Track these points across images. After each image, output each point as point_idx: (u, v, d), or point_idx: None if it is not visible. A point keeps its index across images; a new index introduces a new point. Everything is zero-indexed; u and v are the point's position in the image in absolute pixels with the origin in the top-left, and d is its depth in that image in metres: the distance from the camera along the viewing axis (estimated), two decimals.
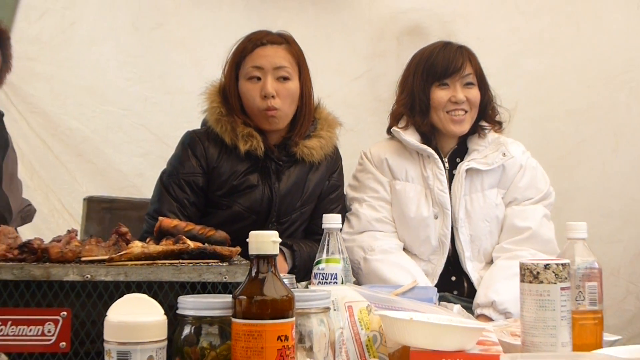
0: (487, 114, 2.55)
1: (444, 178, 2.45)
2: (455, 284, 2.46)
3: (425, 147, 2.46)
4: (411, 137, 2.47)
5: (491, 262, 2.46)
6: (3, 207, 2.20)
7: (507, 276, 2.25)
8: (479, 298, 2.31)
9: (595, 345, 1.49)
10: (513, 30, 3.57)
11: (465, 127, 2.47)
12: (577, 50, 3.56)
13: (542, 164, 2.70)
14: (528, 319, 1.40)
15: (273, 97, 2.35)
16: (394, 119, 2.59)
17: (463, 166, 2.44)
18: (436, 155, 2.46)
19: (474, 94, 2.47)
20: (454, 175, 2.46)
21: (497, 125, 2.55)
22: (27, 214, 2.44)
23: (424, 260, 2.45)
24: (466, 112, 2.45)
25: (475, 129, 2.53)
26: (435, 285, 2.18)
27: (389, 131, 2.59)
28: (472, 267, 2.43)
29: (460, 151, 2.51)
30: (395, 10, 3.57)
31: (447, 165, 2.49)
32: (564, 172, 3.39)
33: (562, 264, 1.40)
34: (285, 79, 2.39)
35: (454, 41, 2.59)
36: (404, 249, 2.47)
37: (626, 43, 3.54)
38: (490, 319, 2.23)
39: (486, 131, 2.52)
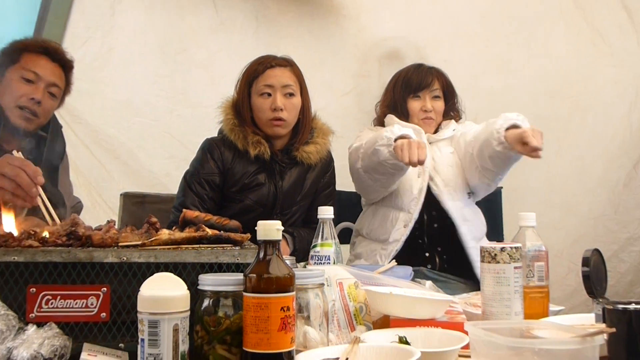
0: (450, 116, 2.74)
1: (428, 148, 2.50)
2: (428, 259, 2.49)
3: (415, 125, 2.58)
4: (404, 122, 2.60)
5: (467, 196, 2.57)
6: (59, 204, 2.20)
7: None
8: (497, 124, 2.29)
9: (542, 314, 1.50)
10: (474, 54, 3.58)
11: (431, 129, 2.66)
12: (526, 71, 3.57)
13: None
14: (487, 292, 1.41)
15: (281, 110, 2.36)
16: (379, 123, 2.75)
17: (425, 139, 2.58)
18: (422, 131, 2.58)
19: (440, 104, 2.67)
20: None
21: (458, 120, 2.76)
22: (77, 209, 2.44)
23: (404, 211, 2.52)
24: (433, 119, 2.65)
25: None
26: (412, 262, 2.18)
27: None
28: (452, 205, 2.50)
29: None
30: (378, 37, 3.57)
31: None
32: (516, 171, 3.35)
33: (515, 247, 1.40)
34: (291, 94, 2.41)
35: (425, 64, 2.76)
36: (390, 204, 2.55)
37: (567, 65, 3.55)
38: (517, 126, 2.26)
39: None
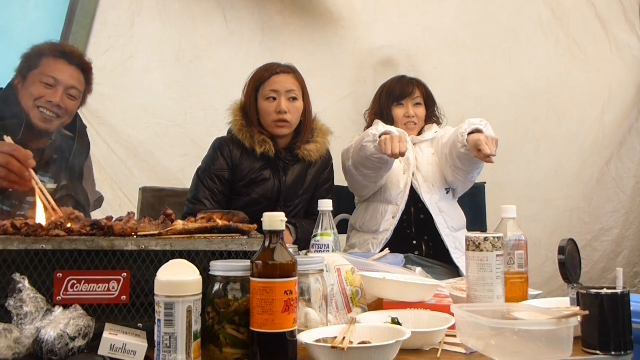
0: (431, 121, 2.75)
1: (411, 147, 2.60)
2: (415, 246, 2.51)
3: (398, 129, 2.56)
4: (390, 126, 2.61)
5: (444, 192, 2.58)
6: (84, 198, 2.20)
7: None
8: (462, 128, 2.34)
9: (522, 297, 1.50)
10: (461, 62, 3.57)
11: (414, 133, 2.68)
12: (508, 76, 3.56)
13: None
14: (471, 278, 1.41)
15: (285, 112, 2.36)
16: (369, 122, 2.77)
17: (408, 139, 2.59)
18: (406, 133, 2.58)
19: (421, 111, 2.70)
20: None
21: (439, 124, 2.78)
22: (99, 202, 2.44)
23: (392, 203, 2.55)
24: (415, 123, 2.67)
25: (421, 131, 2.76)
26: (401, 249, 2.19)
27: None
28: (428, 198, 2.53)
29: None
30: (372, 46, 3.56)
31: None
32: (499, 168, 3.35)
33: (497, 237, 1.41)
34: (294, 99, 2.41)
35: (410, 74, 2.81)
36: (380, 198, 2.57)
37: (545, 71, 3.54)
38: (479, 130, 2.31)
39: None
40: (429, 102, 2.73)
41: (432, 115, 2.75)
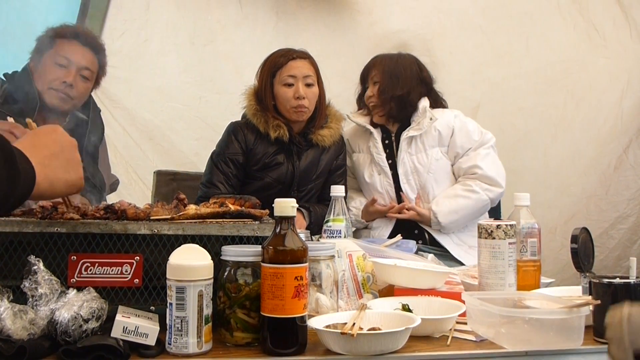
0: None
1: (380, 145, 2.53)
2: (418, 235, 2.48)
3: (365, 124, 2.56)
4: (360, 119, 2.59)
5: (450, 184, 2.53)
6: (99, 182, 2.21)
7: (449, 195, 2.42)
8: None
9: (534, 286, 1.50)
10: (477, 46, 3.52)
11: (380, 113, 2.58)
12: (526, 62, 3.51)
13: (499, 149, 2.69)
14: (483, 265, 1.40)
15: (304, 98, 2.36)
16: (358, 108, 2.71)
17: (403, 136, 2.50)
18: (372, 130, 2.55)
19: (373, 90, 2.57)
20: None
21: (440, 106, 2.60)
22: (114, 185, 2.46)
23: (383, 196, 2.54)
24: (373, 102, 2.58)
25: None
26: (400, 233, 2.11)
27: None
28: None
29: (405, 127, 2.53)
30: (388, 31, 3.52)
31: (393, 137, 2.56)
32: (515, 155, 3.36)
33: (510, 225, 1.40)
34: (311, 85, 2.40)
35: (426, 58, 2.72)
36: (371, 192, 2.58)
37: (564, 56, 3.48)
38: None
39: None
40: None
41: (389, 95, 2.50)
